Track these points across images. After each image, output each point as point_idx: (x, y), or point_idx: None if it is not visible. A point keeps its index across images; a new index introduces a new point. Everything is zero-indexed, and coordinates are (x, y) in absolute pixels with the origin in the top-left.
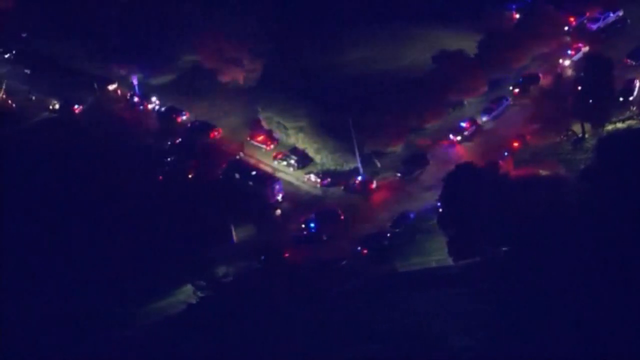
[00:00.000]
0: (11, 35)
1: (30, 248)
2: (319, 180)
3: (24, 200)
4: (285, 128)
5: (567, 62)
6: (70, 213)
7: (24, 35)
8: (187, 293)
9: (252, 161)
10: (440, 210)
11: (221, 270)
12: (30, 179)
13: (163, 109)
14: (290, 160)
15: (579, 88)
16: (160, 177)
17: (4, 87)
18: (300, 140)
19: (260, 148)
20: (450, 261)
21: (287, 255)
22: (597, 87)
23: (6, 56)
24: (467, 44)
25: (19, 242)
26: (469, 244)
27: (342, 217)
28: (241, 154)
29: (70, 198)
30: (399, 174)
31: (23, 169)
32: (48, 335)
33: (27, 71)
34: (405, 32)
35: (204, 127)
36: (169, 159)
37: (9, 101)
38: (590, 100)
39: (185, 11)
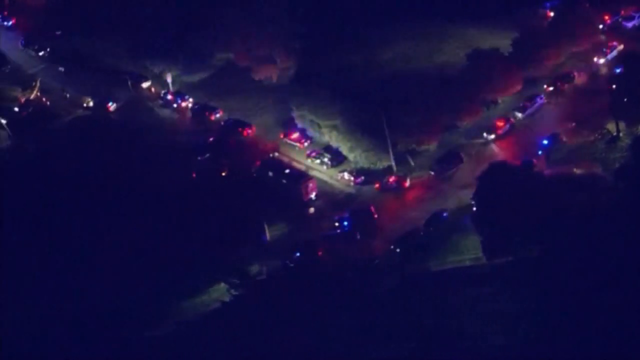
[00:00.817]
0: (46, 33)
1: (64, 244)
2: (352, 178)
3: (59, 198)
4: (319, 126)
5: (601, 61)
6: (104, 210)
7: (58, 33)
8: (221, 291)
9: (285, 159)
10: (475, 209)
11: (254, 268)
12: (65, 176)
13: (197, 106)
14: (323, 158)
15: (614, 87)
16: (194, 175)
17: (38, 84)
18: (334, 139)
19: (293, 146)
20: (484, 260)
21: (320, 253)
22: (632, 86)
23: (40, 54)
24: (502, 42)
25: (53, 238)
26: (503, 243)
27: (376, 216)
28: (275, 152)
29: (103, 195)
30: (432, 173)
31: (58, 166)
32: (83, 331)
33: (61, 69)
34: (440, 30)
35: (238, 125)
36: (202, 157)
37: (44, 99)
38: (625, 99)
39: (219, 9)
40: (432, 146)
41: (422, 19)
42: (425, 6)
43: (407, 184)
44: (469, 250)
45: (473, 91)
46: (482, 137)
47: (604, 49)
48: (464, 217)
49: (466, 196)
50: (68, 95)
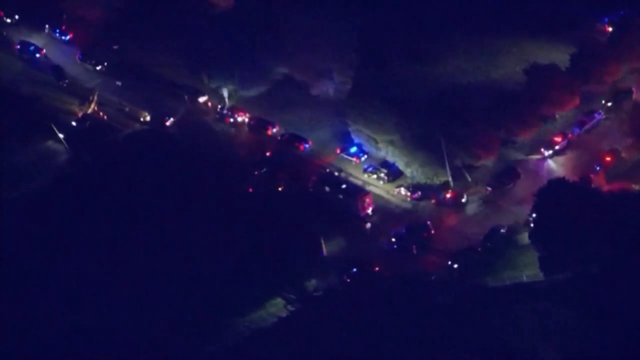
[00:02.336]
0: (103, 47)
1: (122, 257)
2: (409, 193)
3: (116, 211)
4: (376, 141)
5: None
6: (162, 224)
7: (115, 47)
8: (278, 306)
9: (342, 174)
10: (532, 224)
11: (311, 283)
12: (122, 190)
13: (253, 121)
14: (380, 173)
15: None
16: (251, 190)
17: (95, 98)
18: (390, 153)
19: (350, 161)
20: (542, 276)
21: (377, 268)
22: None
23: (98, 68)
24: (560, 57)
25: (111, 251)
26: (561, 259)
27: (433, 231)
28: (340, 171)
29: (161, 209)
30: (490, 188)
31: (115, 180)
32: (143, 344)
33: (119, 83)
34: (498, 44)
35: (294, 140)
36: (259, 172)
37: (101, 113)
38: None
39: (277, 24)
40: (489, 161)
41: (480, 32)
42: (483, 20)
43: (465, 199)
44: (527, 266)
45: (530, 106)
46: (539, 152)
47: None
48: (521, 233)
49: (523, 212)
50: (128, 109)
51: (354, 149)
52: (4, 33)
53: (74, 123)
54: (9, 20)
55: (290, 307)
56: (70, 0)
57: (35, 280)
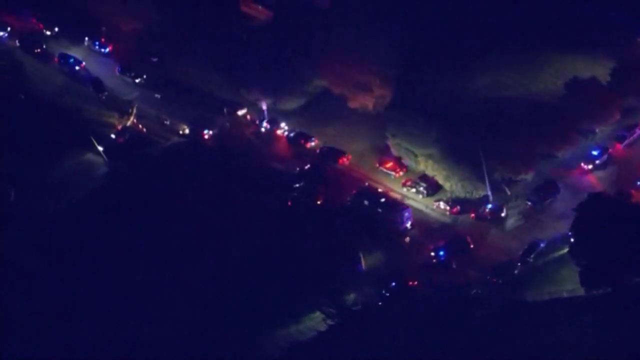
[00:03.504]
0: (142, 60)
1: (160, 271)
2: (448, 207)
3: (155, 224)
4: (415, 155)
5: None
6: (199, 238)
7: (154, 60)
8: (316, 320)
9: (381, 188)
10: (572, 239)
11: (350, 297)
12: (161, 203)
13: (292, 134)
14: (419, 187)
15: None
16: (289, 203)
17: (135, 111)
18: (429, 167)
19: (389, 175)
20: (582, 291)
21: (416, 283)
22: None
23: (137, 81)
24: (600, 70)
25: (149, 265)
26: (601, 274)
27: (472, 245)
28: (383, 188)
29: (200, 223)
30: (529, 202)
31: (154, 193)
32: (179, 356)
33: (158, 96)
34: (537, 58)
35: (333, 153)
36: (298, 185)
37: (140, 125)
38: None
39: (315, 36)
40: (528, 175)
41: (520, 46)
42: (523, 33)
43: (504, 213)
44: (567, 281)
45: (570, 120)
46: (579, 166)
47: None
48: (561, 248)
49: (563, 227)
50: (168, 122)
51: (391, 163)
52: (44, 46)
53: (113, 135)
54: (49, 33)
55: (329, 321)
56: (110, 13)
57: (75, 291)
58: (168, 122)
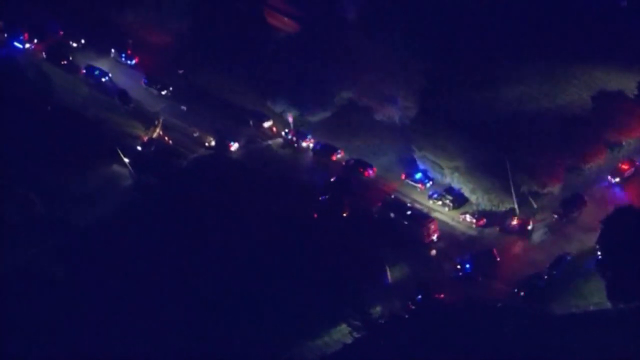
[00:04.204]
0: (168, 71)
1: (185, 284)
2: (474, 220)
3: (180, 236)
4: (441, 167)
5: None
6: (224, 250)
7: (180, 71)
8: (343, 332)
9: (407, 200)
10: (599, 253)
11: (376, 310)
12: (187, 215)
13: (318, 146)
14: (445, 199)
15: None
16: (315, 215)
17: (161, 123)
18: (455, 180)
19: (415, 187)
20: (609, 305)
21: (442, 295)
22: None
23: (163, 92)
24: (627, 83)
25: (173, 279)
26: (628, 288)
27: (498, 258)
28: (397, 193)
29: (224, 235)
30: (556, 215)
31: (180, 205)
32: None
33: (184, 107)
34: (564, 70)
35: (359, 165)
36: (324, 197)
37: (166, 137)
38: None
39: (341, 48)
40: (555, 188)
41: (547, 58)
42: (550, 45)
43: (530, 226)
44: (593, 295)
45: (597, 133)
46: (606, 180)
47: None
48: (588, 261)
49: (590, 240)
50: (193, 134)
51: (419, 175)
52: (71, 57)
53: (139, 147)
54: (75, 45)
55: (355, 334)
56: (136, 25)
57: (102, 303)
58: (193, 134)
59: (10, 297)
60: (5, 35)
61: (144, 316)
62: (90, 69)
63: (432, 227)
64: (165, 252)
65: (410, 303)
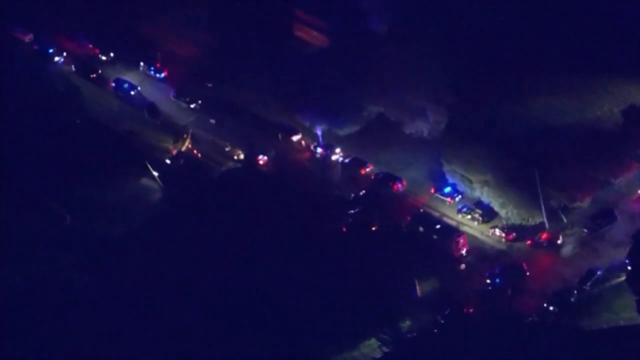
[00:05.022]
0: (197, 84)
1: (212, 297)
2: (503, 234)
3: (207, 251)
4: (470, 181)
5: None
6: (253, 265)
7: (209, 84)
8: (372, 347)
9: (436, 214)
10: (629, 267)
11: (406, 324)
12: (214, 229)
13: (347, 160)
14: (474, 214)
15: None
16: (344, 229)
17: (190, 136)
18: (485, 194)
19: (444, 201)
20: (639, 320)
21: (471, 310)
22: None
23: (192, 105)
24: None
25: (199, 292)
26: None
27: (528, 273)
28: (425, 207)
29: (253, 249)
30: (586, 230)
31: (209, 219)
32: None
33: (213, 121)
34: (595, 83)
35: (388, 179)
36: (353, 211)
37: (195, 150)
38: None
39: (371, 62)
40: (585, 203)
41: (577, 71)
42: (581, 58)
43: (560, 241)
44: (624, 310)
45: (627, 147)
46: (636, 194)
47: None
48: (618, 276)
49: (620, 254)
50: (224, 148)
51: (448, 189)
52: (100, 70)
53: (167, 161)
54: (104, 58)
55: (384, 348)
56: (165, 38)
57: (132, 315)
58: (223, 148)
59: (37, 311)
60: (35, 47)
61: (174, 331)
62: (119, 82)
63: (462, 241)
64: (195, 265)
65: (439, 317)
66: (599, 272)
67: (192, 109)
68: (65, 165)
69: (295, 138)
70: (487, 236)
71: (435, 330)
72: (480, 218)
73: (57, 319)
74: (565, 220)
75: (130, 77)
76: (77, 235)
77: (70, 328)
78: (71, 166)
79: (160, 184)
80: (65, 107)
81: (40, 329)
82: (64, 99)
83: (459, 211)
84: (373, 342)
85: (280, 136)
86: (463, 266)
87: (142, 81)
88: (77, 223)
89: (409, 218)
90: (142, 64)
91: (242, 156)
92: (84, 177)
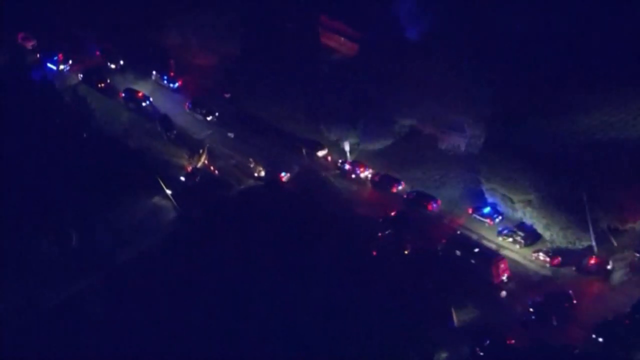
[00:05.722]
0: (214, 95)
1: (231, 323)
2: (548, 259)
3: (226, 276)
4: (512, 201)
5: None
6: (277, 291)
7: (228, 95)
8: None
9: (474, 237)
10: None
11: (442, 356)
12: (234, 251)
13: (377, 177)
14: (516, 236)
15: None
16: (374, 253)
17: (206, 151)
18: (527, 215)
19: (483, 222)
20: None
21: (512, 341)
22: None
23: (209, 118)
24: None
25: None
26: None
27: (574, 301)
28: (462, 229)
29: (276, 275)
30: (638, 254)
31: (227, 242)
32: None
33: (231, 134)
34: None
35: (422, 198)
36: (383, 233)
37: (212, 167)
38: None
39: (403, 72)
40: (637, 225)
41: (627, 84)
42: (631, 70)
43: (609, 266)
44: None
45: None
46: None
47: None
48: None
49: None
50: (253, 165)
51: (487, 209)
52: (109, 80)
53: (182, 178)
54: (113, 66)
55: None
56: (179, 45)
57: (146, 348)
58: (253, 165)
59: (46, 340)
60: (39, 55)
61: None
62: (130, 92)
63: (502, 266)
64: (212, 291)
65: (478, 349)
66: None
67: (208, 121)
68: (71, 183)
69: (320, 153)
70: (530, 261)
71: None
72: (523, 241)
73: (67, 351)
74: (615, 244)
75: (141, 87)
76: (85, 259)
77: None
78: (77, 184)
79: (175, 203)
80: (72, 120)
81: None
82: (70, 111)
83: (499, 233)
84: None
85: (304, 151)
86: (504, 293)
87: (154, 91)
88: (85, 245)
89: (444, 241)
90: (154, 72)
91: (263, 173)
92: (91, 196)
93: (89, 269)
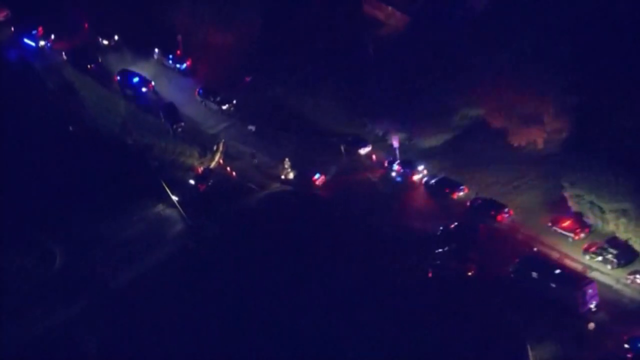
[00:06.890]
0: (231, 79)
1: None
2: None
3: (248, 301)
4: (602, 210)
5: None
6: (307, 321)
7: (248, 79)
8: None
9: (554, 255)
10: None
11: None
12: (257, 272)
13: (434, 181)
14: (607, 254)
15: None
16: (430, 274)
17: (221, 149)
18: (621, 228)
19: (566, 237)
20: None
21: None
22: None
23: (224, 107)
24: None
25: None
26: None
27: None
28: (540, 245)
29: (308, 298)
30: None
31: (247, 259)
32: None
33: (252, 128)
34: None
35: (489, 207)
36: (441, 250)
37: (228, 168)
38: None
39: (465, 51)
40: None
41: None
42: None
43: None
44: None
45: None
46: None
47: None
48: None
49: None
50: (287, 167)
51: (569, 221)
52: (100, 60)
53: (192, 181)
54: (106, 42)
55: None
56: (188, 17)
57: None
58: (287, 167)
59: None
60: (13, 29)
61: None
62: (127, 75)
63: (590, 291)
64: (229, 319)
65: None
66: None
67: (224, 111)
68: (55, 190)
69: (363, 151)
70: (625, 285)
71: None
72: (616, 260)
73: None
74: None
75: (141, 68)
76: (74, 282)
77: None
78: (63, 190)
79: (182, 212)
80: (55, 110)
81: None
82: (53, 98)
83: (586, 251)
84: None
85: (343, 149)
86: (592, 325)
87: (157, 75)
88: (73, 265)
89: (517, 260)
90: (157, 51)
91: (291, 175)
92: (81, 204)
93: (76, 295)
